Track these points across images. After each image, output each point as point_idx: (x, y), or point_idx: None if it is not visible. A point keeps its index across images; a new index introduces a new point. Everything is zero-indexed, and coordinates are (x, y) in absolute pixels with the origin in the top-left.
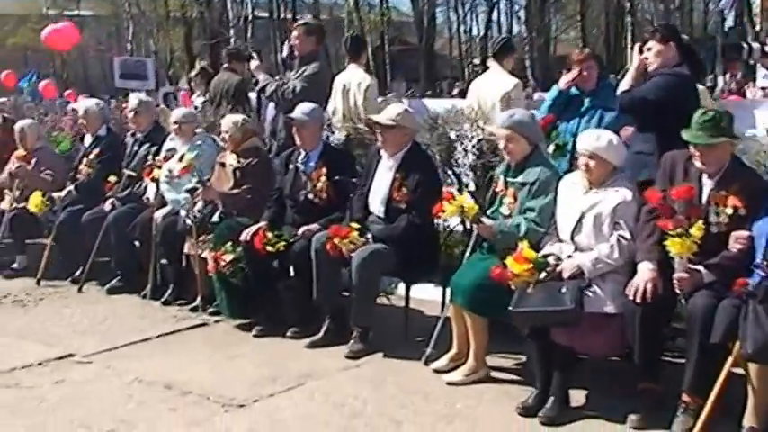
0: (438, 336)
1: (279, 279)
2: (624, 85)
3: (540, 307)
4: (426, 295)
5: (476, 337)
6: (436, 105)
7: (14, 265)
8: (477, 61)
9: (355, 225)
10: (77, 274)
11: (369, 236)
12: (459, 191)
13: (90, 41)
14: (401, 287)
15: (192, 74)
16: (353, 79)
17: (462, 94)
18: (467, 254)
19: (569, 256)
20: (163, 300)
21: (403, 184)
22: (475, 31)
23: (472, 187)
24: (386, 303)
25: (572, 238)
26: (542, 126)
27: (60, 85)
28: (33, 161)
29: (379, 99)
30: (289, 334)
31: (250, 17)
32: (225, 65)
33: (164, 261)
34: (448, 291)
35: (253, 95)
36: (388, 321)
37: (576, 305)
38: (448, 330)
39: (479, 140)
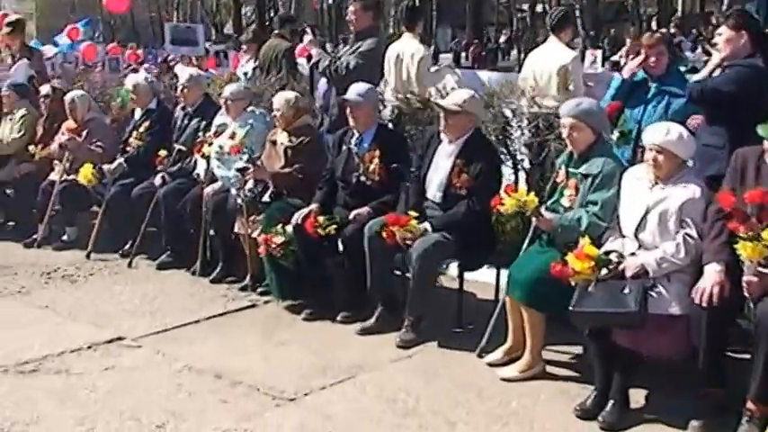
0: (493, 327)
1: (329, 257)
2: (699, 75)
3: (602, 308)
4: (479, 277)
5: (532, 332)
6: (488, 77)
7: (64, 237)
8: (525, 6)
9: (414, 213)
10: (127, 247)
11: (426, 223)
12: (515, 169)
13: None
14: (452, 267)
15: (243, 38)
16: (407, 49)
17: (509, 42)
18: (524, 245)
19: (632, 254)
20: (212, 277)
21: (463, 170)
22: None
23: (527, 164)
24: (437, 286)
25: (636, 235)
26: (608, 113)
27: (107, 29)
28: (84, 133)
29: (432, 69)
30: (339, 319)
31: None
32: (276, 30)
33: (213, 238)
34: (503, 273)
35: (305, 70)
36: (439, 306)
37: (640, 307)
38: (503, 321)
39: (536, 117)
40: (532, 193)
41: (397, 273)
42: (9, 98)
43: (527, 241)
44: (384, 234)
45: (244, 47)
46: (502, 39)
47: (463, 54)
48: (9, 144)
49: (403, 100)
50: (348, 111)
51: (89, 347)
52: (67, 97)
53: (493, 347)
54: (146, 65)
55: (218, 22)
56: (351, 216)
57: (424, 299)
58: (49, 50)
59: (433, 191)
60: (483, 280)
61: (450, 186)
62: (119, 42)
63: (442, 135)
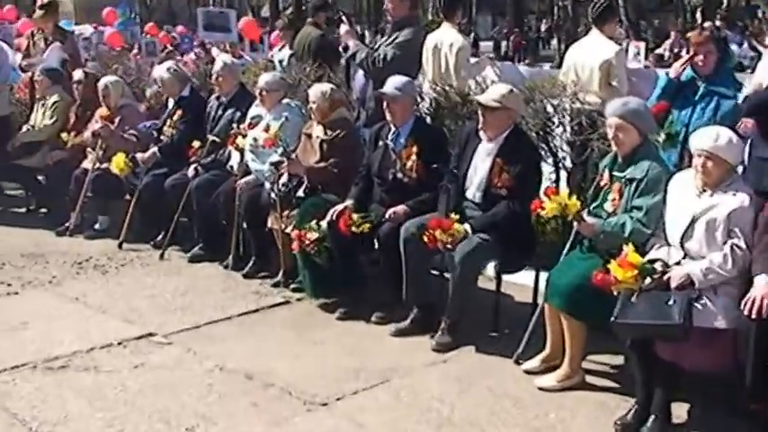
0: (531, 333)
1: (363, 255)
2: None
3: (646, 320)
4: (517, 279)
5: (572, 341)
6: (527, 71)
7: (96, 226)
8: None
9: (455, 216)
10: (159, 238)
11: (466, 225)
12: (556, 168)
13: None
14: (489, 267)
15: (278, 23)
16: (446, 39)
17: (549, 31)
18: (565, 250)
19: (678, 263)
20: (244, 272)
21: (503, 169)
22: None
23: (568, 163)
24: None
25: (681, 244)
26: (654, 113)
27: (144, 11)
28: (117, 120)
29: (472, 60)
30: (373, 319)
31: None
32: (309, 18)
33: (246, 232)
34: (541, 276)
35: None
36: (476, 308)
37: (685, 320)
38: (541, 327)
39: (578, 113)
40: (574, 197)
41: (434, 273)
42: (42, 83)
43: (567, 246)
44: (425, 238)
45: (279, 33)
46: (542, 27)
47: (503, 43)
48: (41, 130)
49: (441, 93)
50: (385, 104)
51: (119, 344)
52: (100, 83)
53: (530, 354)
54: (183, 47)
55: (255, 5)
56: (387, 214)
57: (465, 304)
58: (86, 30)
59: (473, 191)
60: (521, 282)
61: (491, 186)
62: (155, 23)
63: (481, 133)
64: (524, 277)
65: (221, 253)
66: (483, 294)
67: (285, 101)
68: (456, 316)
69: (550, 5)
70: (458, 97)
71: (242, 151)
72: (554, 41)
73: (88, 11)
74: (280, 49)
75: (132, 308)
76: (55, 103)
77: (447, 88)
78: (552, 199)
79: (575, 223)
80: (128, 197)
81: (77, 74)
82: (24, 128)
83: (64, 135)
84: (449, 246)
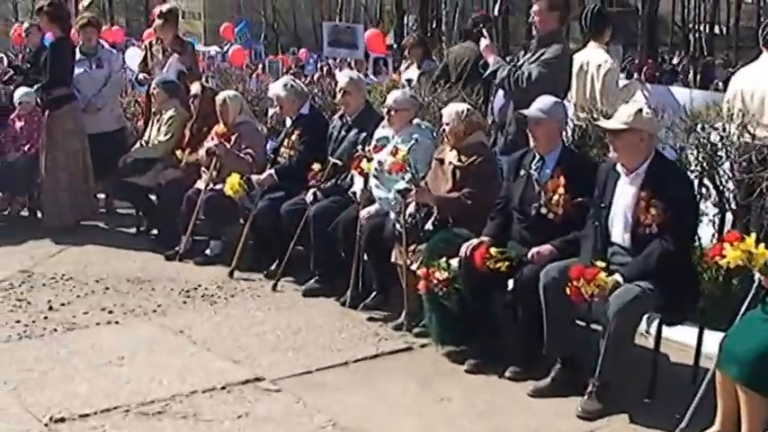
0: (697, 404)
1: (499, 299)
2: None
3: None
4: (673, 334)
5: (750, 419)
6: (682, 94)
7: (207, 251)
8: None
9: (601, 264)
10: (273, 268)
11: (616, 275)
12: (721, 210)
13: None
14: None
15: (406, 41)
16: (593, 60)
17: (682, 62)
18: (743, 308)
19: None
20: (363, 305)
21: (650, 204)
22: None
23: (733, 205)
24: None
25: None
26: None
27: (269, 33)
28: (233, 137)
29: (621, 83)
30: (508, 374)
31: None
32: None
33: (367, 265)
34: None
35: None
36: (628, 368)
37: None
38: (710, 397)
39: (747, 148)
40: (762, 245)
41: (580, 323)
42: (158, 97)
43: (746, 303)
44: (567, 290)
45: (406, 52)
46: (675, 60)
47: (635, 75)
48: (155, 147)
49: (587, 119)
50: (528, 128)
51: (223, 388)
52: (218, 98)
53: (695, 429)
54: (307, 68)
55: (382, 30)
56: (529, 254)
57: (619, 363)
58: (211, 50)
59: (619, 233)
60: (678, 339)
61: (639, 226)
62: (281, 47)
63: (618, 166)
64: (682, 333)
65: (339, 288)
66: (637, 352)
67: (415, 121)
68: (608, 377)
69: (685, 37)
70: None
71: (366, 176)
72: (690, 75)
73: (216, 32)
74: (406, 68)
75: (240, 345)
76: (171, 118)
77: (595, 114)
78: (735, 246)
79: (758, 276)
80: (241, 221)
81: (195, 87)
82: (137, 144)
83: (178, 152)
84: (595, 298)
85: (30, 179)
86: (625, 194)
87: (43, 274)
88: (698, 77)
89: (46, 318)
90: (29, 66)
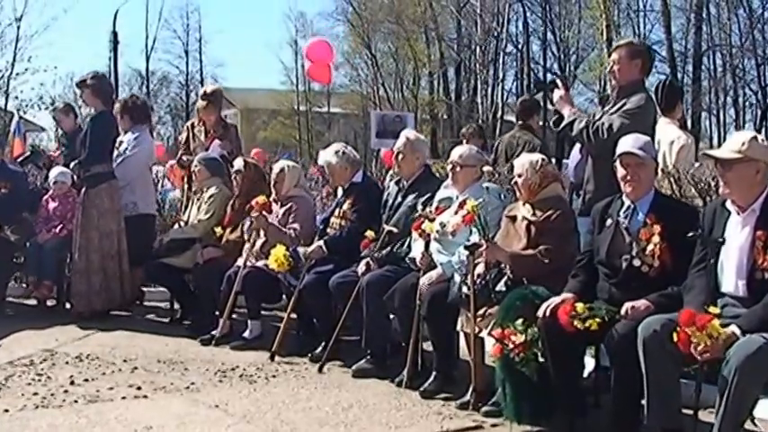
0: None
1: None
2: None
3: None
4: None
5: None
6: None
7: (245, 334)
8: None
9: (715, 310)
10: (319, 350)
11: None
12: None
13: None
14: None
15: (465, 131)
16: (665, 137)
17: None
18: None
19: None
20: (422, 390)
21: None
22: None
23: None
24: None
25: None
26: None
27: None
28: (282, 210)
29: (696, 165)
30: None
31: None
32: (520, 122)
33: (428, 340)
34: None
35: None
36: None
37: None
38: None
39: None
40: None
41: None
42: (200, 174)
43: None
44: (675, 337)
45: (464, 142)
46: None
47: None
48: (195, 227)
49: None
50: (620, 170)
51: None
52: (276, 166)
53: None
54: None
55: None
56: (623, 310)
57: (739, 427)
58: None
59: (731, 281)
60: None
61: (756, 270)
62: None
63: (728, 203)
64: None
65: (393, 369)
66: None
67: (484, 184)
68: None
69: None
70: (694, 189)
71: (427, 240)
72: None
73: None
74: None
75: (284, 420)
76: (212, 196)
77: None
78: None
79: None
80: (284, 300)
81: (238, 163)
82: (176, 225)
83: (218, 230)
84: (706, 353)
85: (59, 263)
86: (737, 235)
87: (67, 353)
88: None
89: (66, 391)
90: (64, 148)
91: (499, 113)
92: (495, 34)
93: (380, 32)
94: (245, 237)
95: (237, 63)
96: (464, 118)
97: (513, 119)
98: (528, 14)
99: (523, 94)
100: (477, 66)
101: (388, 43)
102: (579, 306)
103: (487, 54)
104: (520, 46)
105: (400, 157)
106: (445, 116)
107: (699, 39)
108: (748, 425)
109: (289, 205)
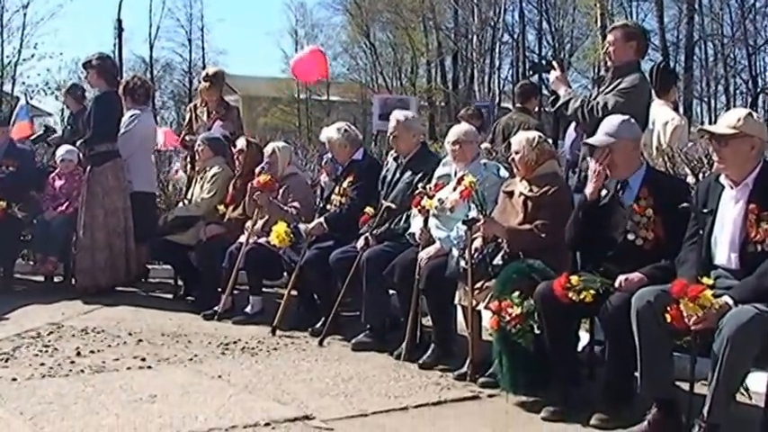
0: None
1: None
2: None
3: None
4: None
5: None
6: None
7: (248, 309)
8: None
9: (708, 281)
10: (319, 325)
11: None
12: None
13: None
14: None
15: (464, 113)
16: (659, 117)
17: None
18: None
19: None
20: (421, 362)
21: (761, 217)
22: None
23: None
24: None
25: None
26: None
27: None
28: (281, 190)
29: (690, 144)
30: (594, 422)
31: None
32: (518, 105)
33: (426, 315)
34: None
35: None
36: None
37: None
38: None
39: None
40: None
41: (678, 355)
42: (203, 153)
43: None
44: (668, 315)
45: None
46: None
47: None
48: (198, 205)
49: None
50: (595, 158)
51: (266, 424)
52: (268, 148)
53: None
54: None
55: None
56: (617, 282)
57: (730, 402)
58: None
59: (724, 253)
60: None
61: (748, 243)
62: None
63: (722, 178)
64: None
65: (392, 343)
66: (744, 409)
67: (482, 161)
68: (718, 419)
69: None
70: (687, 167)
71: (426, 215)
72: None
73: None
74: None
75: (285, 390)
76: (215, 175)
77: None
78: None
79: None
80: (285, 276)
81: (240, 142)
82: (180, 204)
83: (221, 207)
84: (698, 324)
85: (65, 239)
86: (730, 209)
87: (73, 327)
88: None
89: (72, 362)
90: (69, 128)
91: (496, 101)
92: (492, 23)
93: (379, 22)
94: (248, 213)
95: (239, 51)
96: (461, 105)
97: (510, 105)
98: (524, 4)
99: (519, 82)
100: (474, 54)
101: (387, 32)
102: (574, 278)
103: (484, 43)
104: (516, 35)
105: (396, 136)
106: (443, 104)
107: (691, 28)
108: (742, 398)
109: (286, 185)
